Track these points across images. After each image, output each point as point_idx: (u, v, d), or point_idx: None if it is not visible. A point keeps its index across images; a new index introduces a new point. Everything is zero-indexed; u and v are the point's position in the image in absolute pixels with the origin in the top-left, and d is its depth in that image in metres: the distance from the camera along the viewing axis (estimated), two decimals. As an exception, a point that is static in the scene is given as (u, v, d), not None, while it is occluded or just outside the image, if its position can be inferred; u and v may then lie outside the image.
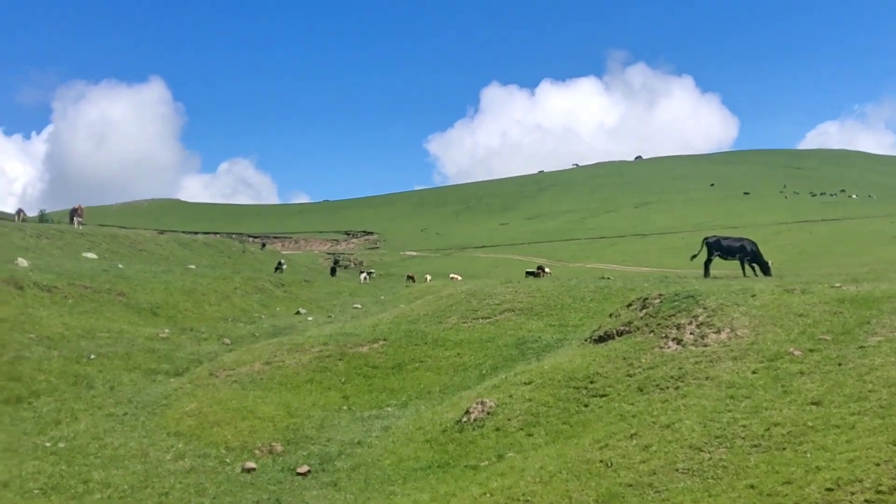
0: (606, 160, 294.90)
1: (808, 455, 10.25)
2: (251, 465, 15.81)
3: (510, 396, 16.47)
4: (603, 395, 15.03)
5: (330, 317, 36.79)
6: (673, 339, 16.44)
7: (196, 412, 18.75)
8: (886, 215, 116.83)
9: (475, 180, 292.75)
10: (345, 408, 20.11)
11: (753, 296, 17.42)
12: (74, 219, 63.40)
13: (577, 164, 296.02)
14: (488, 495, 11.71)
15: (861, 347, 13.77)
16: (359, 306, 41.52)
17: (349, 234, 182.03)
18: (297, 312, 38.36)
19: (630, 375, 15.41)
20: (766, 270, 32.95)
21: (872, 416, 10.95)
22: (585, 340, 20.13)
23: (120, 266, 40.70)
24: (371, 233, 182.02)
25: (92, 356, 23.39)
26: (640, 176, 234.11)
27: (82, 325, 27.05)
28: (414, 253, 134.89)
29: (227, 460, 16.27)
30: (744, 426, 11.32)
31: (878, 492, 9.02)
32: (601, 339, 18.80)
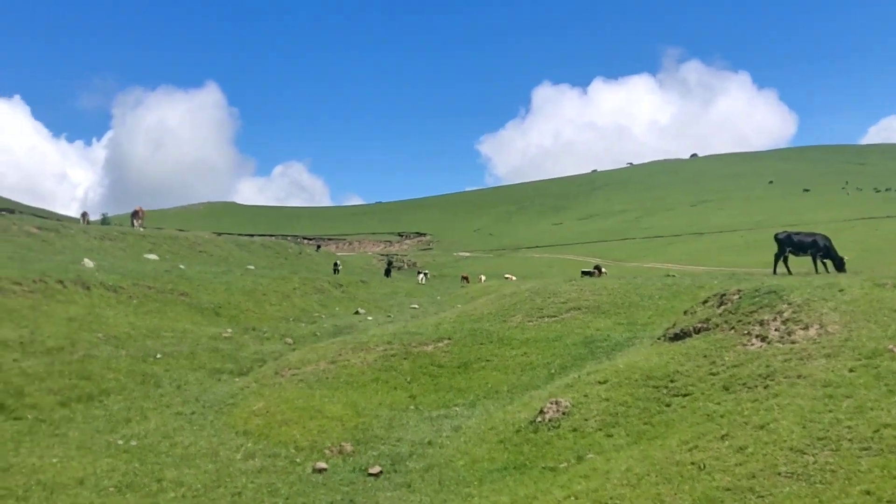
0: (661, 158, 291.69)
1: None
2: (322, 465, 15.54)
3: (585, 396, 15.98)
4: (685, 395, 14.46)
5: (389, 316, 36.59)
6: (757, 336, 15.79)
7: (264, 411, 18.57)
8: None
9: (527, 181, 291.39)
10: (412, 407, 19.80)
11: (841, 290, 16.67)
12: (135, 221, 64.21)
13: (631, 163, 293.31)
14: (573, 498, 11.25)
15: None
16: (416, 306, 41.32)
17: (402, 236, 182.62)
18: (356, 312, 38.23)
19: (713, 374, 14.81)
20: (839, 267, 31.85)
21: None
22: (659, 338, 19.56)
23: (181, 267, 40.96)
24: (424, 234, 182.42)
25: (158, 355, 23.41)
26: (695, 174, 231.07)
27: (147, 324, 27.16)
28: (467, 254, 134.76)
29: (298, 460, 16.02)
30: (849, 427, 10.67)
31: None
32: (677, 337, 18.21)
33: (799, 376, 13.18)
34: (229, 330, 28.90)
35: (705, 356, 15.87)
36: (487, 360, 22.60)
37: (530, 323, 25.75)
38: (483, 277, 72.90)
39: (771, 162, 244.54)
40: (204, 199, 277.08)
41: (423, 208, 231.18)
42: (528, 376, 21.18)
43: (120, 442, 16.51)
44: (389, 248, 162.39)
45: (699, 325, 17.93)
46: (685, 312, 20.02)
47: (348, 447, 16.72)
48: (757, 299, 17.43)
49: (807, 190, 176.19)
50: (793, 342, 14.92)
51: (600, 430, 14.49)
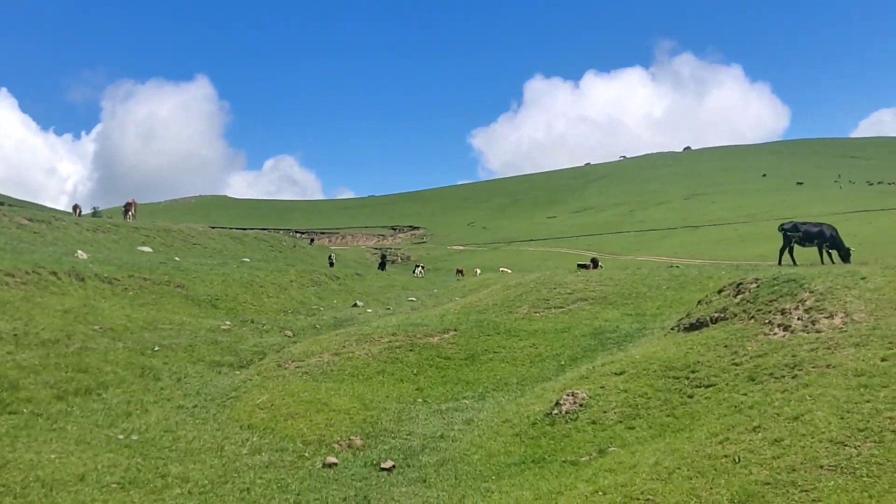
0: (655, 152, 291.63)
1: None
2: (332, 459, 14.98)
3: (602, 387, 15.48)
4: (709, 386, 13.96)
5: (388, 309, 36.11)
6: (779, 326, 15.31)
7: (268, 404, 18.01)
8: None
9: (520, 174, 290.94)
10: (420, 400, 19.29)
11: (864, 278, 16.21)
12: (128, 214, 63.51)
13: (624, 156, 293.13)
14: (601, 493, 10.71)
15: None
16: (413, 299, 40.87)
17: (395, 229, 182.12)
18: (355, 305, 37.76)
19: (736, 364, 14.32)
20: (845, 257, 31.44)
21: None
22: (672, 329, 19.09)
23: (177, 259, 40.34)
24: (417, 227, 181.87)
25: (156, 348, 22.82)
26: (689, 167, 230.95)
27: (144, 316, 26.56)
28: (461, 247, 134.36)
29: (306, 454, 15.46)
30: (890, 419, 10.13)
31: None
32: (693, 327, 17.74)
33: (828, 366, 12.69)
34: (227, 322, 28.32)
35: (726, 346, 15.39)
36: (495, 352, 22.10)
37: (537, 314, 25.25)
38: (478, 271, 72.55)
39: (764, 155, 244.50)
40: (195, 192, 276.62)
41: (416, 202, 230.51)
42: (537, 368, 20.70)
43: (120, 436, 15.90)
44: (383, 242, 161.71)
45: (716, 315, 17.46)
46: (699, 302, 19.55)
47: (358, 441, 16.17)
48: (776, 288, 16.96)
49: (800, 183, 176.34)
50: (817, 331, 14.45)
51: (621, 422, 13.99)
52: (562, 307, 25.65)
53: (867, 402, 10.85)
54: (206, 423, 17.20)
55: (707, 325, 17.28)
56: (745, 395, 12.89)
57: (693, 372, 14.72)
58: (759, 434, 10.93)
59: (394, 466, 14.64)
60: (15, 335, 21.25)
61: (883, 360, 12.30)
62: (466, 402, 18.92)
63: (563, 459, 13.23)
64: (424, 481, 13.74)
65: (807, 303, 15.58)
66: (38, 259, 30.29)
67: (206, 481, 13.61)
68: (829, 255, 32.03)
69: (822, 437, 10.19)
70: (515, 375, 20.44)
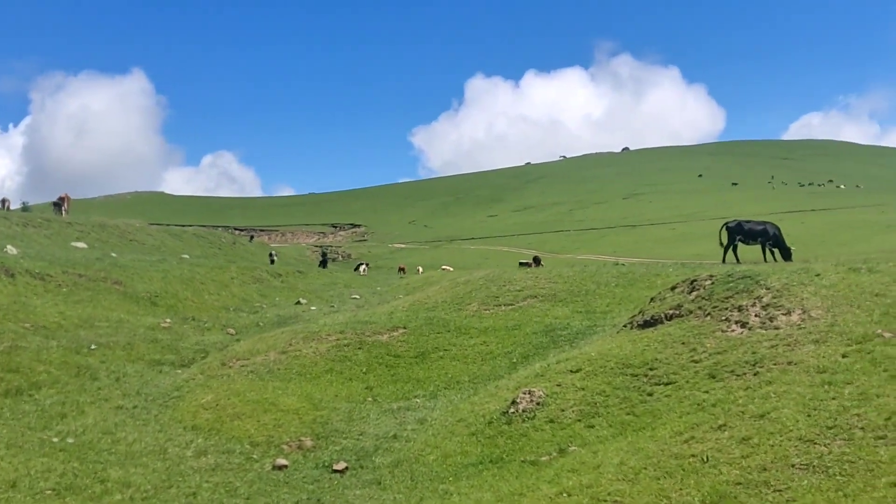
0: (593, 152, 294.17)
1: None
2: (282, 461, 14.43)
3: (558, 385, 15.17)
4: (668, 383, 13.73)
5: (332, 307, 35.50)
6: (736, 322, 15.17)
7: (213, 404, 17.37)
8: (876, 205, 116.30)
9: (461, 173, 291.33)
10: (370, 399, 18.80)
11: (818, 275, 16.18)
12: (60, 209, 61.67)
13: (564, 156, 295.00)
14: (565, 495, 10.38)
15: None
16: (357, 297, 40.31)
17: (336, 227, 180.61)
18: (298, 302, 37.07)
19: (695, 361, 14.12)
20: (787, 256, 31.78)
21: None
22: (625, 326, 18.88)
23: (113, 255, 39.21)
24: (358, 225, 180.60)
25: (92, 346, 21.95)
26: (627, 167, 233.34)
27: (79, 314, 25.57)
28: (402, 245, 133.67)
29: (255, 456, 14.90)
30: (858, 416, 9.98)
31: None
32: (647, 324, 17.52)
33: (789, 363, 12.55)
34: (168, 320, 27.46)
35: (683, 343, 15.20)
36: (446, 350, 21.69)
37: (487, 311, 24.92)
38: (420, 269, 72.08)
39: (700, 156, 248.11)
40: (130, 189, 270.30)
41: (357, 199, 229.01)
42: (489, 366, 20.34)
43: (55, 439, 15.13)
44: (323, 240, 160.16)
45: (671, 312, 17.27)
46: (652, 299, 19.38)
47: (308, 442, 15.64)
48: (731, 284, 16.86)
49: (735, 184, 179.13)
50: (776, 328, 14.34)
51: (579, 420, 13.70)
52: (511, 304, 25.35)
53: (833, 399, 10.71)
54: (147, 425, 16.53)
55: (662, 322, 17.09)
56: (707, 392, 12.69)
57: (651, 369, 14.50)
58: (726, 433, 10.71)
59: (347, 468, 14.17)
60: (-59, 333, 20.24)
61: (843, 356, 12.20)
62: (418, 401, 18.49)
63: (523, 459, 12.89)
64: (379, 483, 13.29)
65: (763, 299, 15.48)
66: (-35, 254, 29.05)
67: (149, 486, 12.97)
68: (772, 253, 32.34)
69: (791, 435, 10.01)
70: (467, 373, 20.06)
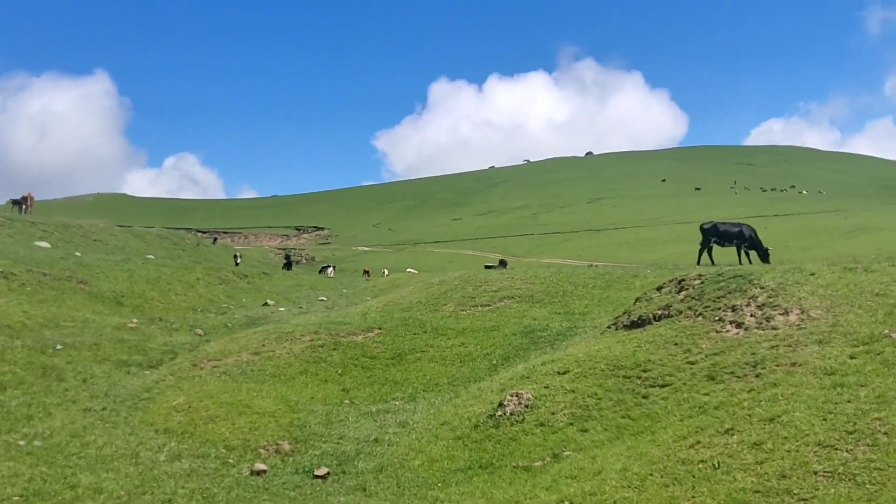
0: (557, 156, 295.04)
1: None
2: (261, 466, 13.82)
3: (546, 388, 14.73)
4: (664, 385, 13.35)
5: (301, 308, 34.82)
6: (731, 323, 14.83)
7: (185, 407, 16.69)
8: (838, 210, 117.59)
9: (425, 176, 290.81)
10: (346, 401, 18.22)
11: (813, 274, 15.91)
12: (22, 208, 60.21)
13: (528, 160, 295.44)
14: (567, 503, 9.92)
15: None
16: (324, 299, 39.65)
17: (300, 230, 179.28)
18: (265, 304, 36.31)
19: (691, 363, 13.74)
20: (764, 257, 31.70)
21: None
22: (610, 327, 18.52)
23: (77, 254, 38.14)
24: (322, 228, 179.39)
25: (58, 346, 21.11)
26: (591, 172, 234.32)
27: (44, 313, 24.65)
28: (366, 248, 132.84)
29: (231, 461, 14.25)
30: (878, 420, 9.56)
31: None
32: (635, 325, 17.17)
33: (793, 364, 12.20)
34: (135, 320, 26.61)
35: (676, 344, 14.83)
36: (423, 351, 21.18)
37: (464, 312, 24.44)
38: (386, 271, 71.50)
39: (663, 161, 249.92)
40: (92, 190, 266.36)
41: (321, 202, 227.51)
42: (468, 368, 19.87)
43: (21, 443, 14.36)
44: (287, 243, 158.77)
45: (659, 312, 16.94)
46: (637, 300, 19.03)
47: (286, 446, 15.03)
48: (723, 284, 16.54)
49: (698, 189, 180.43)
50: (773, 328, 14.02)
51: (572, 424, 13.26)
52: (488, 305, 24.90)
53: (848, 402, 10.31)
54: (117, 427, 15.82)
55: (650, 323, 16.74)
56: (707, 395, 12.31)
57: (645, 371, 14.10)
58: (735, 437, 10.29)
59: (328, 473, 13.59)
60: None
61: (851, 357, 11.86)
62: (397, 403, 17.96)
63: (515, 465, 12.43)
64: (364, 490, 12.74)
65: (758, 299, 15.16)
66: (-77, 251, 27.99)
67: (122, 492, 12.29)
68: (748, 255, 32.23)
69: (808, 440, 9.59)
70: (446, 375, 19.57)
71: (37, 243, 44.63)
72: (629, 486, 9.79)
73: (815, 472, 8.86)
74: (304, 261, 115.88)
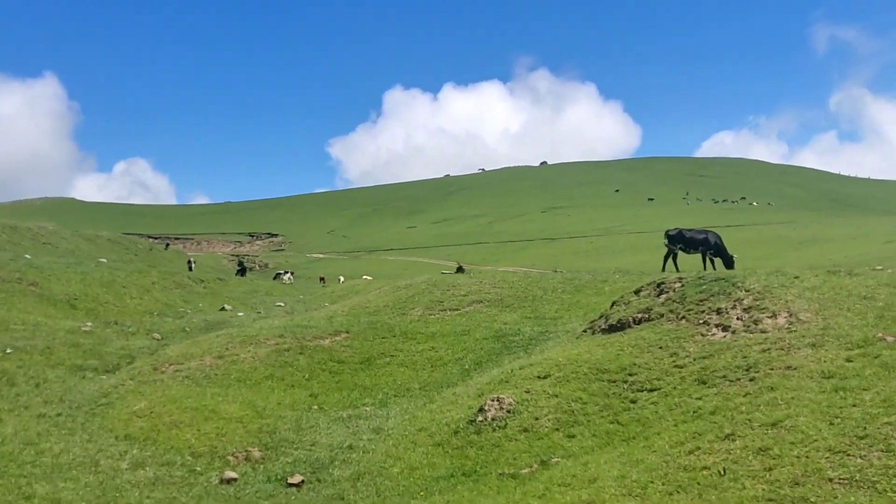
0: (512, 165, 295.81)
1: None
2: (231, 474, 13.09)
3: (527, 392, 14.21)
4: (652, 389, 12.89)
5: (259, 313, 34.14)
6: (717, 326, 14.44)
7: (147, 412, 15.87)
8: (787, 222, 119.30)
9: (379, 184, 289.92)
10: (315, 407, 17.52)
11: (797, 277, 15.60)
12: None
13: (483, 169, 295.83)
14: (565, 511, 9.37)
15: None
16: (282, 304, 39.00)
17: (253, 236, 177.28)
18: (223, 308, 35.56)
19: (679, 367, 13.31)
20: (729, 265, 31.52)
21: None
22: (586, 331, 18.07)
23: (27, 256, 36.89)
24: (276, 235, 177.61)
25: (8, 350, 20.17)
26: (546, 181, 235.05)
27: (-8, 316, 23.63)
28: (321, 255, 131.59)
29: (198, 469, 13.50)
30: (889, 424, 9.11)
31: None
32: (614, 328, 16.73)
33: (788, 367, 11.81)
34: (89, 323, 25.63)
35: (661, 347, 14.40)
36: (392, 356, 20.57)
37: (432, 316, 23.87)
38: (342, 278, 70.68)
39: (617, 171, 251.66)
40: (39, 194, 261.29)
41: (274, 209, 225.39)
42: (439, 373, 19.31)
43: (-29, 451, 13.51)
44: (240, 249, 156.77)
45: (640, 316, 16.52)
46: (615, 303, 18.60)
47: (256, 453, 14.31)
48: (705, 287, 16.16)
49: (651, 199, 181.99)
50: (762, 331, 13.64)
51: (557, 430, 12.74)
52: (457, 309, 24.36)
53: (853, 406, 9.88)
54: (73, 434, 14.98)
55: (630, 326, 16.31)
56: (700, 399, 11.86)
57: (631, 375, 13.65)
58: (737, 442, 9.83)
59: (303, 482, 12.92)
60: None
61: (847, 360, 11.50)
62: (368, 409, 17.32)
63: (500, 472, 11.86)
64: (342, 498, 12.11)
65: (744, 302, 14.79)
66: None
67: (82, 502, 11.52)
68: (713, 262, 32.07)
69: (817, 445, 9.14)
70: (417, 380, 18.99)
71: (-16, 245, 43.28)
72: (629, 495, 9.28)
73: (831, 479, 8.40)
74: (257, 267, 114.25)
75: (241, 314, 33.01)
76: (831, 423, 9.57)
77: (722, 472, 9.15)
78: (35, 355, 20.45)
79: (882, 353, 11.37)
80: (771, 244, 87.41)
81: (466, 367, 19.30)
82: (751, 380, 11.80)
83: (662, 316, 15.93)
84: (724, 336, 13.98)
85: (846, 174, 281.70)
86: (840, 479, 8.36)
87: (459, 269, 58.58)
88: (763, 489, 8.54)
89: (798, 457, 8.98)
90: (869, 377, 10.72)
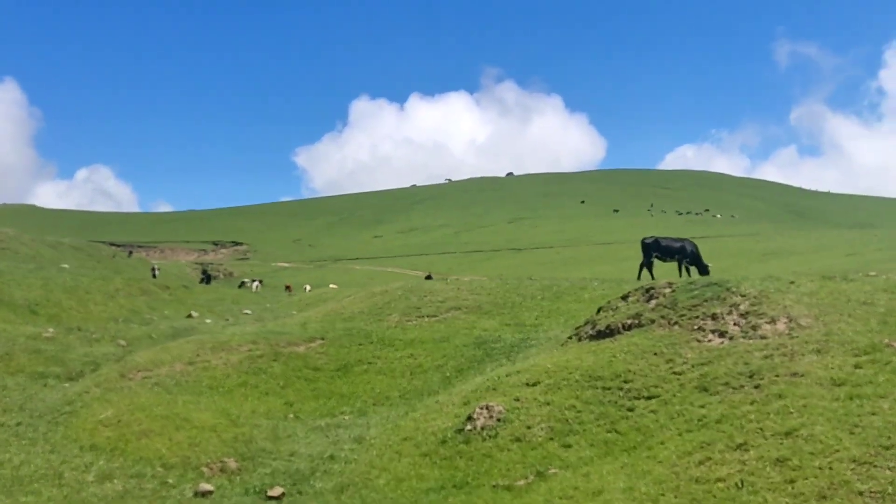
0: (479, 176, 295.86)
1: None
2: (206, 486, 12.32)
3: (517, 400, 13.60)
4: (651, 397, 12.34)
5: (227, 320, 33.25)
6: (713, 331, 13.94)
7: (114, 421, 15.03)
8: (751, 234, 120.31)
9: (345, 193, 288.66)
10: (291, 415, 16.84)
11: (792, 282, 15.16)
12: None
13: (449, 179, 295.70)
14: (574, 526, 8.76)
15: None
16: (249, 312, 38.08)
17: (217, 245, 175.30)
18: (190, 315, 34.54)
19: (677, 373, 12.77)
20: (704, 273, 31.16)
21: None
22: (572, 337, 17.51)
23: (-15, 260, 35.71)
24: (240, 243, 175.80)
25: (-35, 356, 19.21)
26: (512, 192, 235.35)
27: (-51, 321, 22.60)
28: (287, 264, 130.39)
29: (170, 481, 12.71)
30: (917, 435, 8.66)
31: None
32: (602, 335, 16.17)
33: (794, 374, 11.31)
34: (51, 329, 24.63)
35: (656, 353, 13.86)
36: (370, 363, 19.89)
37: (410, 322, 23.21)
38: (308, 287, 69.88)
39: (582, 183, 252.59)
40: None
41: (239, 217, 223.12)
42: (419, 380, 18.68)
43: (-76, 462, 12.63)
44: (204, 257, 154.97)
45: (629, 322, 15.98)
46: (601, 309, 18.06)
47: (232, 464, 13.55)
48: (697, 293, 15.66)
49: (616, 210, 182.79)
50: (762, 337, 13.16)
51: (552, 439, 12.15)
52: (435, 315, 23.73)
53: (873, 414, 9.37)
54: (35, 445, 14.13)
55: (620, 332, 15.76)
56: (703, 407, 11.32)
57: (626, 382, 13.09)
58: (750, 452, 9.29)
59: (283, 494, 12.19)
60: None
61: (856, 367, 11.02)
62: (346, 417, 16.65)
63: (494, 484, 11.24)
64: (326, 512, 11.38)
65: (741, 307, 14.30)
66: None
67: (47, 517, 10.71)
68: (688, 271, 31.72)
69: (840, 455, 8.61)
70: (396, 388, 18.34)
71: (-61, 250, 41.93)
72: (641, 508, 8.69)
73: (861, 493, 7.89)
74: (222, 276, 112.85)
75: (208, 321, 32.11)
76: (851, 433, 9.07)
77: (740, 485, 8.61)
78: (-6, 362, 19.50)
79: (892, 360, 10.93)
80: (735, 256, 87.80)
81: (447, 374, 18.69)
82: (755, 387, 11.29)
83: (654, 322, 15.41)
84: (722, 342, 13.48)
85: (807, 188, 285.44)
86: (871, 492, 7.85)
87: (428, 278, 58.18)
88: (786, 503, 7.98)
89: (821, 468, 8.46)
90: (883, 384, 10.25)
